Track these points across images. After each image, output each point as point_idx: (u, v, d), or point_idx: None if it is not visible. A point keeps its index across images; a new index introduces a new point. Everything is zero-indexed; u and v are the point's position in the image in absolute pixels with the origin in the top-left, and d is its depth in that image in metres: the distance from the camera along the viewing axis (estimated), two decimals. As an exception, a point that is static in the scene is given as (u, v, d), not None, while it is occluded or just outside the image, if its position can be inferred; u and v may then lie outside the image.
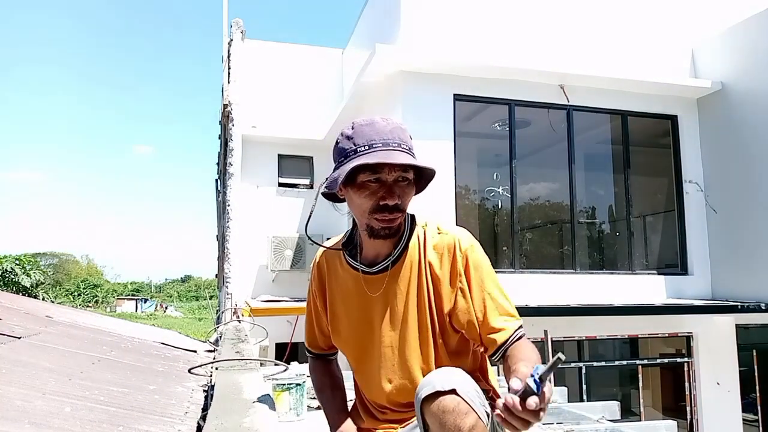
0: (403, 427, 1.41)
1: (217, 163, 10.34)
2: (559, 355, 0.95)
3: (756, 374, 6.93)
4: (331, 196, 1.41)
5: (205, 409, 2.17)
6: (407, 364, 1.36)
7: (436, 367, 1.33)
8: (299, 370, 2.22)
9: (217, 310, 10.75)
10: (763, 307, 5.91)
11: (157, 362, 3.04)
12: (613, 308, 5.99)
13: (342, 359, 1.58)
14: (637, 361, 6.78)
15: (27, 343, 2.50)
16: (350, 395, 1.62)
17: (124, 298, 49.93)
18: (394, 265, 1.38)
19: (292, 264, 7.59)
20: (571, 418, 2.50)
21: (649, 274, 6.76)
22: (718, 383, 6.61)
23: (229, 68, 8.08)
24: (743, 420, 6.69)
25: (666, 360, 6.92)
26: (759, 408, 6.89)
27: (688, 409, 6.65)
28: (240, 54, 8.09)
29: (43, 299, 16.45)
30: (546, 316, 5.64)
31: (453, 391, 1.13)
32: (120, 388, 2.17)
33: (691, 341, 6.73)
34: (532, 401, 0.96)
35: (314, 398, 2.44)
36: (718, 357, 6.69)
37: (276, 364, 2.38)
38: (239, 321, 4.86)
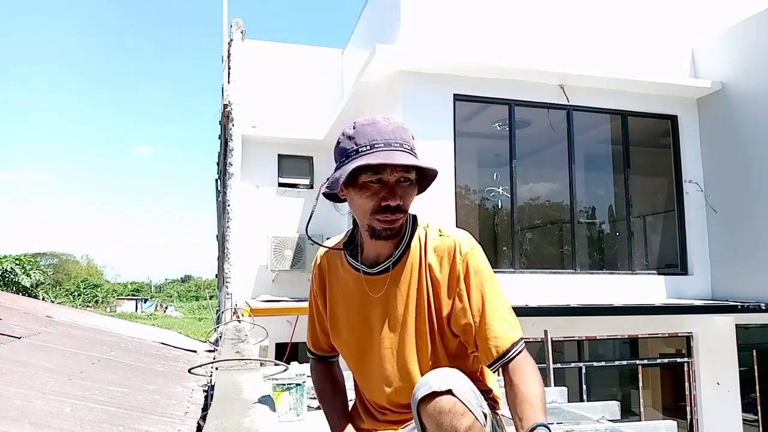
0: (403, 428, 1.40)
1: (217, 163, 10.34)
2: None
3: (756, 374, 6.93)
4: (333, 196, 1.40)
5: (205, 409, 2.17)
6: (407, 366, 1.36)
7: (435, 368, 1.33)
8: (299, 370, 2.22)
9: (217, 310, 10.75)
10: (763, 307, 5.92)
11: (157, 362, 3.04)
12: (613, 308, 5.99)
13: (342, 360, 1.58)
14: (637, 361, 6.79)
15: (27, 343, 2.50)
16: (350, 395, 1.62)
17: (124, 298, 49.93)
18: (395, 266, 1.37)
19: (292, 264, 7.59)
20: (571, 418, 2.49)
21: (649, 274, 6.76)
22: (718, 383, 6.61)
23: (229, 68, 8.08)
24: (743, 420, 6.69)
25: (666, 360, 6.92)
26: (759, 408, 6.89)
27: (688, 409, 6.65)
28: (240, 54, 8.09)
29: (43, 299, 16.45)
30: (546, 316, 5.64)
31: (449, 392, 1.13)
32: (120, 388, 2.17)
33: (691, 341, 6.73)
34: None
35: (314, 398, 2.44)
36: (718, 357, 6.69)
37: (276, 364, 2.37)
38: (239, 321, 4.86)
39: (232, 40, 8.17)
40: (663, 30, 7.05)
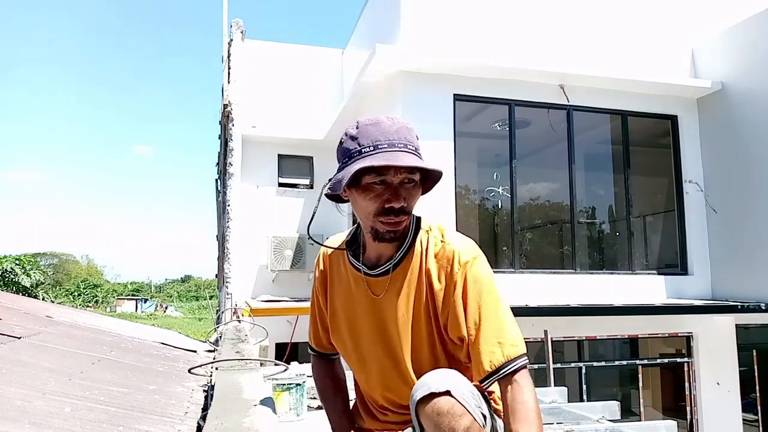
0: (403, 429, 1.39)
1: (217, 163, 10.34)
2: None
3: (756, 374, 6.93)
4: (335, 196, 1.38)
5: (205, 409, 2.17)
6: (406, 367, 1.35)
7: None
8: (299, 370, 2.22)
9: (217, 310, 10.75)
10: (763, 307, 5.92)
11: (157, 362, 3.03)
12: (613, 308, 5.99)
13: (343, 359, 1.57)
14: (637, 361, 6.79)
15: (27, 343, 2.50)
16: (351, 395, 1.62)
17: (124, 298, 49.93)
18: (395, 269, 1.36)
19: (292, 264, 7.59)
20: (571, 418, 2.49)
21: (649, 274, 6.76)
22: (718, 383, 6.61)
23: (229, 68, 8.08)
24: (743, 420, 6.69)
25: (666, 360, 6.92)
26: (759, 408, 6.89)
27: (688, 409, 6.65)
28: (240, 54, 8.09)
29: (43, 299, 16.45)
30: (546, 316, 5.64)
31: (447, 393, 1.12)
32: (120, 388, 2.17)
33: (691, 341, 6.73)
34: None
35: (314, 398, 2.44)
36: (718, 357, 6.70)
37: (276, 364, 2.37)
38: (239, 321, 4.85)
39: (232, 40, 8.17)
40: (663, 30, 7.05)
